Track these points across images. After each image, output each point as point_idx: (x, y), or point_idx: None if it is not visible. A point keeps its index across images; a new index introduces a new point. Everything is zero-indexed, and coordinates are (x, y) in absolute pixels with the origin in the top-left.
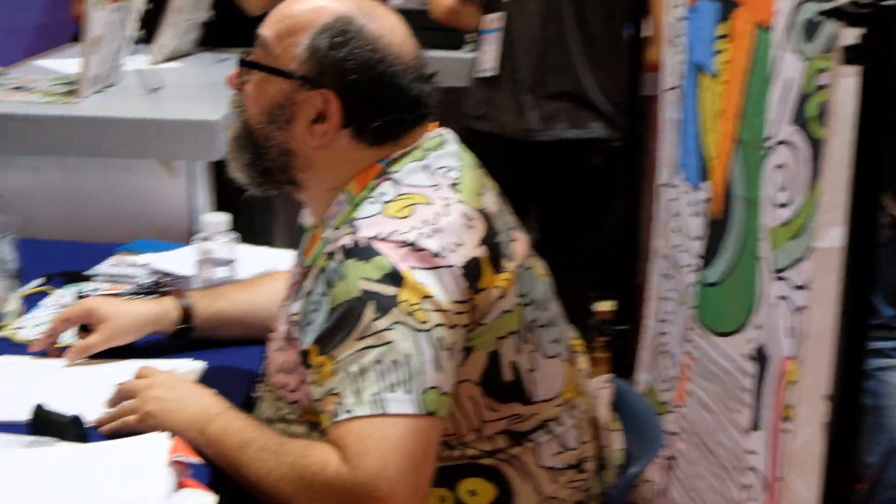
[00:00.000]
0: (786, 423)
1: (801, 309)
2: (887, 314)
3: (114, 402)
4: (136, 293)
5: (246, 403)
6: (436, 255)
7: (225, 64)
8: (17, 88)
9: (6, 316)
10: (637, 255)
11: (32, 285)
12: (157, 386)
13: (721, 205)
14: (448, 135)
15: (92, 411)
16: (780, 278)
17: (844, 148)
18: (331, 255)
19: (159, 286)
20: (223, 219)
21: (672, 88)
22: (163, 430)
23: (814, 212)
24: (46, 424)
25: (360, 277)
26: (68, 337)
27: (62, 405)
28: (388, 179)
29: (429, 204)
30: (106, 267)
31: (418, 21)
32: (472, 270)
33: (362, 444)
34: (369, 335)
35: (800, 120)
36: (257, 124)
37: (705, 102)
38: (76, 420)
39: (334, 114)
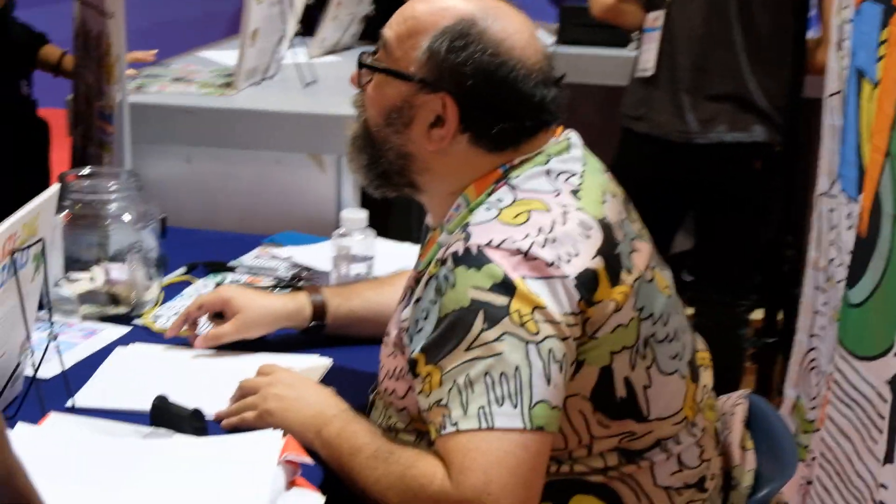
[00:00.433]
0: None
1: None
2: None
3: (236, 398)
4: (275, 286)
5: (367, 404)
6: (550, 264)
7: None
8: (177, 79)
9: (146, 304)
10: (797, 266)
11: (175, 275)
12: (277, 384)
13: (868, 222)
14: (574, 138)
15: (214, 405)
16: None
17: None
18: (442, 261)
19: (298, 280)
20: (362, 215)
21: (835, 94)
22: (280, 428)
23: None
24: (166, 416)
25: (470, 286)
26: (202, 324)
27: (185, 397)
28: (507, 185)
29: (546, 211)
30: (249, 258)
31: (581, 18)
32: (586, 282)
33: (467, 460)
34: (478, 346)
35: None
36: (375, 126)
37: (865, 110)
38: (196, 413)
39: (451, 118)
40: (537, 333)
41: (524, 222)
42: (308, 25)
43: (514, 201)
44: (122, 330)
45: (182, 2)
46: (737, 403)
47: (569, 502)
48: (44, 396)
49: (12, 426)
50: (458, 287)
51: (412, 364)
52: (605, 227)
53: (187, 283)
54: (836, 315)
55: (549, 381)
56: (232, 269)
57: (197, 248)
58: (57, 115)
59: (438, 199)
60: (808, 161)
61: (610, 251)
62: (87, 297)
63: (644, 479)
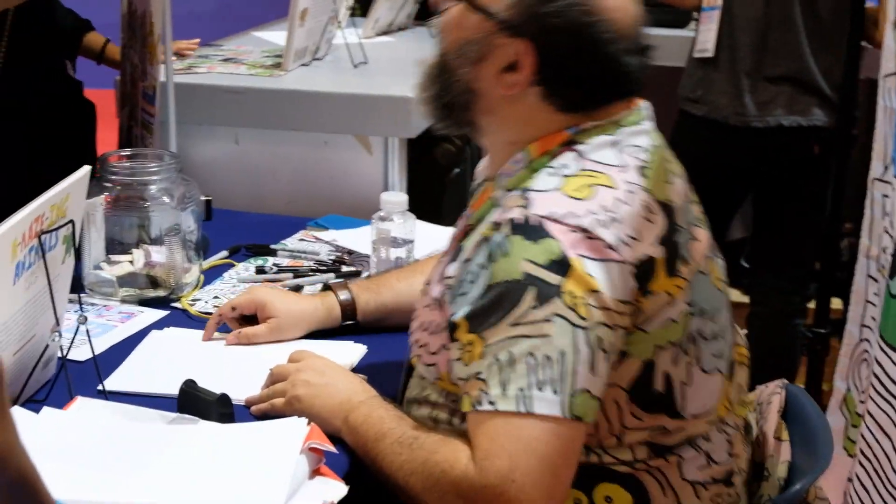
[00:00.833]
0: None
1: None
2: None
3: (267, 384)
4: (316, 270)
5: (397, 393)
6: (610, 246)
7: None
8: (227, 60)
9: (185, 287)
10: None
11: (216, 258)
12: (307, 370)
13: None
14: (646, 111)
15: (244, 390)
16: None
17: None
18: (497, 224)
19: (340, 264)
20: (402, 198)
21: (891, 75)
22: (308, 414)
23: None
24: (193, 401)
25: (524, 258)
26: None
27: (215, 382)
28: (573, 150)
29: (611, 187)
30: (292, 241)
31: None
32: (644, 270)
33: (495, 444)
34: (525, 323)
35: None
36: (448, 54)
37: None
38: (222, 399)
39: (527, 68)
40: (587, 318)
41: (588, 197)
42: (363, 5)
43: (579, 171)
44: (160, 313)
45: None
46: (773, 393)
47: (594, 490)
48: (75, 380)
49: (38, 410)
50: (511, 257)
51: (452, 327)
52: (669, 211)
53: (229, 266)
54: None
55: (593, 370)
56: (274, 253)
57: (241, 231)
58: (107, 96)
59: (498, 146)
60: (867, 144)
61: (670, 238)
62: (126, 280)
63: (671, 472)
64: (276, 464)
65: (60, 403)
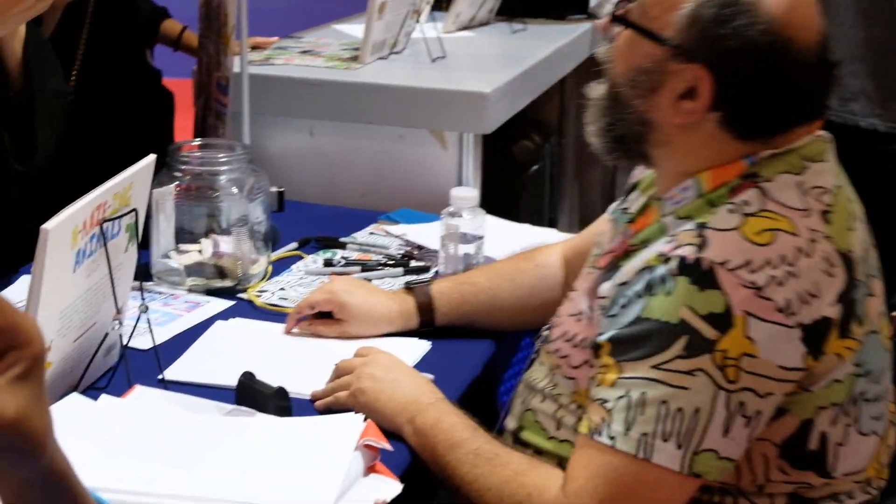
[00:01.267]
0: None
1: None
2: None
3: (332, 378)
4: (384, 264)
5: (461, 398)
6: (780, 309)
7: (518, 35)
8: (305, 52)
9: (252, 278)
10: None
11: (285, 249)
12: (373, 364)
13: None
14: (830, 143)
15: (305, 384)
16: None
17: None
18: (665, 258)
19: (408, 259)
20: (472, 193)
21: None
22: (371, 409)
23: None
24: (250, 393)
25: (685, 304)
26: None
27: (275, 375)
28: (756, 187)
29: (794, 234)
30: (362, 235)
31: None
32: (816, 334)
33: (590, 483)
34: (667, 370)
35: None
36: (619, 84)
37: None
38: (279, 392)
39: (705, 94)
40: (734, 382)
41: (768, 244)
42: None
43: (760, 210)
44: (226, 304)
45: None
46: None
47: None
48: (138, 368)
49: (97, 397)
50: (672, 298)
51: (596, 347)
52: (849, 263)
53: (297, 258)
54: None
55: (726, 432)
56: (343, 246)
57: (313, 223)
58: (184, 86)
59: (668, 174)
60: None
61: (848, 296)
62: (194, 269)
63: None
64: (329, 460)
65: (122, 391)
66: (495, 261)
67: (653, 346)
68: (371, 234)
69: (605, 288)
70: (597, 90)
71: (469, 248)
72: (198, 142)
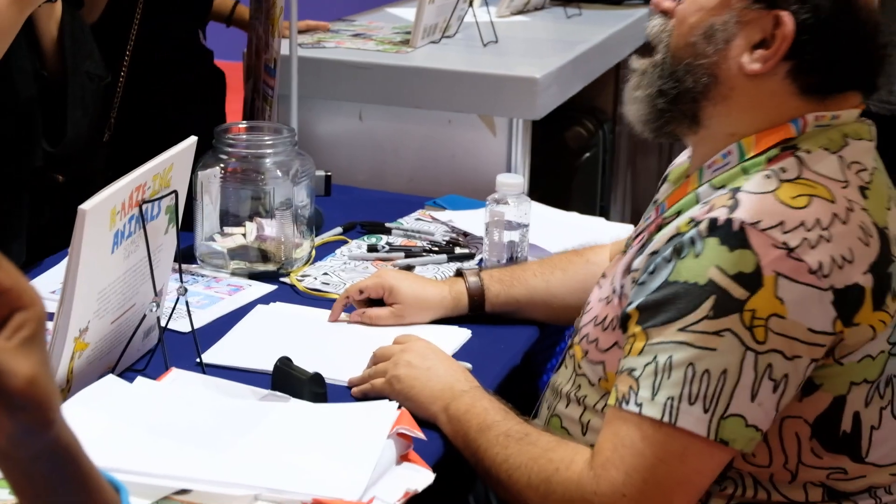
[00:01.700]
0: None
1: None
2: None
3: (370, 365)
4: (428, 251)
5: (500, 386)
6: (811, 271)
7: (573, 20)
8: (357, 35)
9: (296, 262)
10: None
11: (329, 234)
12: (410, 352)
13: None
14: (871, 126)
15: (342, 370)
16: None
17: None
18: (695, 222)
19: (453, 245)
20: (517, 180)
21: None
22: (407, 396)
23: None
24: (286, 378)
25: (714, 264)
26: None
27: (313, 361)
28: (795, 156)
29: (830, 201)
30: (408, 220)
31: None
32: (848, 299)
33: (616, 455)
34: (694, 332)
35: None
36: (689, 39)
37: None
38: (315, 377)
39: (784, 40)
40: (763, 343)
41: (803, 207)
42: None
43: (797, 178)
44: (268, 287)
45: None
46: None
47: None
48: (178, 351)
49: (132, 380)
50: (701, 259)
51: (625, 318)
52: (885, 238)
53: (342, 243)
54: None
55: (753, 397)
56: (388, 231)
57: (360, 208)
58: (235, 68)
59: (712, 140)
60: None
61: (883, 269)
62: (237, 253)
63: None
64: (361, 447)
65: (159, 374)
66: (540, 248)
67: (679, 309)
68: (417, 219)
69: (638, 261)
70: (642, 61)
71: (514, 236)
72: (244, 124)
